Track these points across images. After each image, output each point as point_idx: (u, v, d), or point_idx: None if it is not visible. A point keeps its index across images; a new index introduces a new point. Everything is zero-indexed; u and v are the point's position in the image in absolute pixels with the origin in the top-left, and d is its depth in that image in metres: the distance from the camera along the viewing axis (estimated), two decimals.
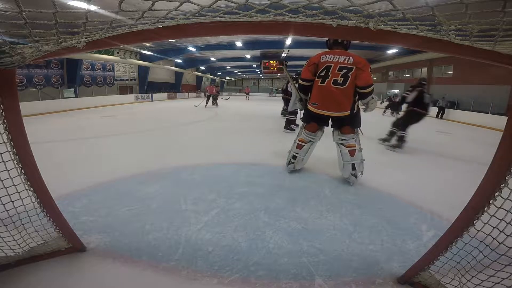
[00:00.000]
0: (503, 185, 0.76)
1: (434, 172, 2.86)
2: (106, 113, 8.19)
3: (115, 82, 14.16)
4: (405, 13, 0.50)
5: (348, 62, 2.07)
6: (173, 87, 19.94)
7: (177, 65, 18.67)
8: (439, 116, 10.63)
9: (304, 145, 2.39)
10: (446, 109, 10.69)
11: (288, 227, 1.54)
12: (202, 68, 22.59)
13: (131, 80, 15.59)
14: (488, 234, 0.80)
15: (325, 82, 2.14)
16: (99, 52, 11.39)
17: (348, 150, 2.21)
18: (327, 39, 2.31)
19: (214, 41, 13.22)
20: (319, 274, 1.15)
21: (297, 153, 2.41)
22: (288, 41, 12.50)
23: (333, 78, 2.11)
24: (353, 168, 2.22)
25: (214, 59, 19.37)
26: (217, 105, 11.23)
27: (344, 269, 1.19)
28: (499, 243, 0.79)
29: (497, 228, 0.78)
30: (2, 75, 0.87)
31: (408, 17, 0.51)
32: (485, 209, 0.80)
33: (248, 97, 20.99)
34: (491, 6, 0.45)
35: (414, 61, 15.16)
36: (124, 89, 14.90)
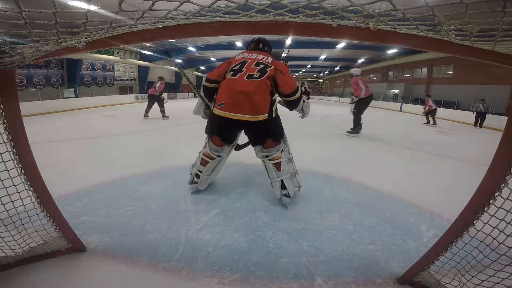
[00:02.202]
0: (503, 185, 0.76)
1: (434, 172, 2.86)
2: (106, 113, 8.20)
3: (115, 82, 14.16)
4: (405, 13, 0.50)
5: (267, 61, 1.72)
6: (174, 87, 19.96)
7: None
8: (478, 124, 8.05)
9: (209, 162, 1.85)
10: (487, 115, 7.93)
11: (288, 227, 1.54)
12: (202, 68, 22.60)
13: (131, 80, 15.60)
14: (488, 234, 0.80)
15: (237, 76, 1.66)
16: (99, 52, 11.40)
17: (273, 164, 1.74)
18: (249, 43, 2.01)
19: (214, 41, 13.23)
20: (319, 274, 1.15)
21: (201, 171, 1.88)
22: (288, 41, 12.51)
23: (248, 73, 1.65)
24: (283, 186, 1.75)
25: (214, 59, 19.38)
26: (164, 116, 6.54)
27: (344, 269, 1.19)
28: (499, 243, 0.79)
29: (497, 228, 0.78)
30: (2, 75, 0.87)
31: (408, 17, 0.51)
32: (485, 209, 0.80)
33: None
34: (491, 6, 0.45)
35: (414, 61, 15.18)
36: (124, 89, 14.91)
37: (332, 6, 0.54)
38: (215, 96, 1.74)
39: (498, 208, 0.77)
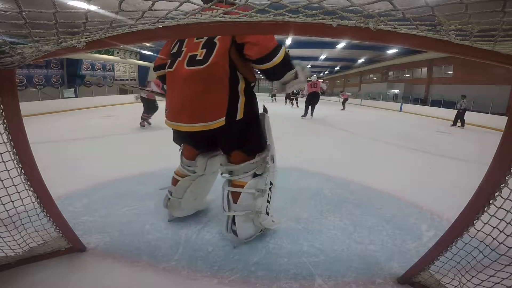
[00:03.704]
0: (503, 185, 0.76)
1: (434, 172, 2.86)
2: (106, 113, 8.19)
3: (114, 82, 14.15)
4: (405, 13, 0.50)
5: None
6: None
7: None
8: (457, 123, 7.71)
9: (179, 180, 1.40)
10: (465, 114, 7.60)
11: (288, 227, 1.54)
12: None
13: (131, 80, 15.59)
14: (488, 234, 0.80)
15: (174, 66, 1.15)
16: (99, 52, 11.40)
17: (231, 191, 1.24)
18: None
19: None
20: (319, 274, 1.15)
21: (171, 192, 1.44)
22: (288, 41, 12.50)
23: (188, 54, 1.12)
24: (233, 221, 1.26)
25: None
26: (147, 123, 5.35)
27: (344, 269, 1.19)
28: (499, 243, 0.79)
29: (497, 228, 0.78)
30: (2, 75, 0.87)
31: (408, 17, 0.51)
32: (485, 209, 0.80)
33: None
34: (491, 6, 0.45)
35: (414, 61, 15.18)
36: (124, 89, 14.90)
37: (332, 6, 0.54)
38: None
39: (498, 208, 0.77)
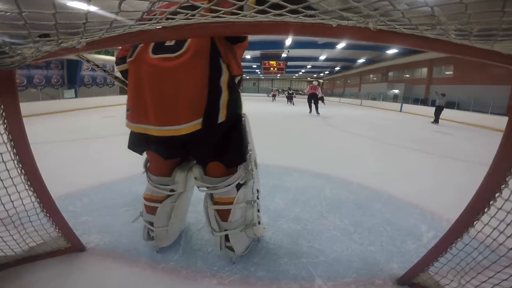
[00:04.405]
0: (503, 186, 0.76)
1: (434, 173, 2.85)
2: (107, 113, 8.20)
3: (116, 82, 14.15)
4: (405, 13, 0.50)
5: None
6: None
7: None
8: (435, 120, 8.25)
9: (158, 207, 1.13)
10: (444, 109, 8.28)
11: (287, 228, 1.54)
12: None
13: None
14: (488, 235, 0.79)
15: (134, 55, 0.93)
16: (99, 53, 11.40)
17: (217, 210, 1.09)
18: None
19: None
20: (318, 275, 1.15)
21: (150, 223, 1.17)
22: (288, 41, 12.51)
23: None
24: (226, 239, 1.13)
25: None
26: None
27: (343, 270, 1.19)
28: (499, 244, 0.79)
29: (497, 229, 0.78)
30: (2, 75, 0.87)
31: (408, 17, 0.51)
32: (485, 210, 0.80)
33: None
34: (491, 6, 0.45)
35: (414, 61, 15.17)
36: (125, 90, 14.86)
37: (332, 6, 0.54)
38: None
39: (498, 209, 0.77)
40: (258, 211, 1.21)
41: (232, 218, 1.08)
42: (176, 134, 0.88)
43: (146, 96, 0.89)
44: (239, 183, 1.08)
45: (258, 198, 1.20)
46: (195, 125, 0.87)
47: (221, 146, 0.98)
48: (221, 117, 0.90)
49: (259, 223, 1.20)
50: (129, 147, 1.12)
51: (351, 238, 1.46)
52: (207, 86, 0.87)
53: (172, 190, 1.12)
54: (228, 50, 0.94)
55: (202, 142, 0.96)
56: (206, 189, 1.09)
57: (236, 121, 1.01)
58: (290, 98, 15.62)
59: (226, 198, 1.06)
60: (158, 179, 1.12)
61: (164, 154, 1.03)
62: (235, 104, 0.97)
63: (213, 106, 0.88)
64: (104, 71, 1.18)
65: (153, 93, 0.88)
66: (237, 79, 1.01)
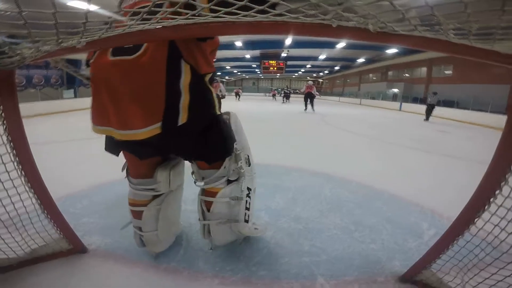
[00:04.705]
0: (503, 183, 0.76)
1: (434, 171, 2.86)
2: None
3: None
4: (405, 14, 0.50)
5: None
6: None
7: None
8: (427, 118, 8.67)
9: (143, 210, 1.10)
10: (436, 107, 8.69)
11: (288, 227, 1.54)
12: None
13: None
14: (490, 232, 0.80)
15: (95, 56, 0.92)
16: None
17: (205, 199, 1.12)
18: None
19: None
20: (320, 274, 1.15)
21: (139, 228, 1.13)
22: (288, 41, 12.52)
23: None
24: (208, 231, 1.17)
25: (214, 59, 19.34)
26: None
27: (345, 268, 1.19)
28: (501, 241, 0.79)
29: (498, 226, 0.79)
30: (1, 75, 0.87)
31: (408, 17, 0.51)
32: (486, 207, 0.80)
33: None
34: (490, 5, 0.45)
35: (414, 60, 15.20)
36: None
37: (332, 7, 0.54)
38: None
39: (498, 206, 0.78)
40: (247, 209, 1.19)
41: (214, 209, 1.11)
42: (136, 138, 0.86)
43: (104, 98, 0.88)
44: (229, 179, 1.11)
45: (249, 197, 1.19)
46: (153, 129, 0.85)
47: (197, 146, 0.98)
48: (181, 119, 0.86)
49: (246, 221, 1.18)
50: (105, 149, 1.09)
51: (352, 236, 1.46)
52: (165, 89, 0.85)
53: (155, 191, 1.09)
54: (195, 48, 0.92)
55: (170, 145, 0.96)
56: (203, 184, 1.13)
57: (209, 121, 0.98)
58: (287, 97, 17.59)
59: (212, 190, 1.10)
60: (138, 181, 1.10)
61: (140, 153, 1.00)
62: (201, 105, 0.94)
63: (172, 109, 0.86)
64: (75, 72, 1.05)
65: (110, 95, 0.87)
66: (207, 77, 0.98)
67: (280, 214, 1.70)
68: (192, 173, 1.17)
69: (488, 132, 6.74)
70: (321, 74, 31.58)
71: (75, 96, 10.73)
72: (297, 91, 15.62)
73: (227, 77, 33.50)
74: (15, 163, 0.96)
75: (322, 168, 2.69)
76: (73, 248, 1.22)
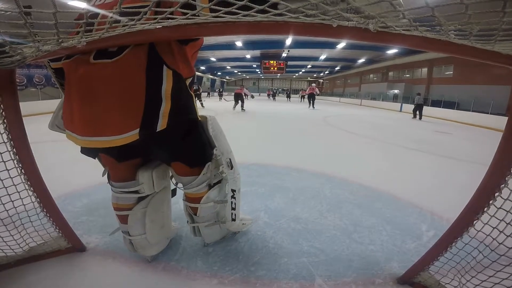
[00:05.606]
0: (503, 185, 0.76)
1: (434, 172, 2.86)
2: None
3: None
4: (405, 14, 0.50)
5: None
6: None
7: None
8: (417, 116, 9.53)
9: (127, 215, 1.07)
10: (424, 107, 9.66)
11: (288, 227, 1.54)
12: (202, 68, 22.60)
13: None
14: (488, 235, 0.80)
15: (73, 57, 0.83)
16: None
17: (190, 205, 1.16)
18: None
19: (214, 41, 13.22)
20: (319, 274, 1.15)
21: (127, 233, 1.10)
22: (288, 41, 12.51)
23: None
24: (198, 230, 1.23)
25: (214, 59, 19.37)
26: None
27: (344, 269, 1.19)
28: (499, 243, 0.79)
29: (497, 229, 0.78)
30: (2, 74, 0.87)
31: (408, 18, 0.51)
32: (485, 209, 0.80)
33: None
34: (491, 6, 0.45)
35: (414, 61, 15.18)
36: None
37: (332, 7, 0.54)
38: None
39: (498, 208, 0.77)
40: (234, 209, 1.22)
41: (201, 213, 1.16)
42: (105, 146, 0.82)
43: (73, 101, 0.82)
44: (210, 184, 1.13)
45: (234, 198, 1.21)
46: (130, 136, 0.81)
47: (176, 149, 0.98)
48: (161, 125, 0.84)
49: (233, 220, 1.24)
50: (81, 152, 1.01)
51: (351, 237, 1.46)
52: (145, 95, 0.81)
53: (139, 193, 1.06)
54: (176, 52, 0.89)
55: (150, 148, 0.94)
56: (183, 188, 1.13)
57: (188, 126, 0.96)
58: (274, 96, 21.79)
59: (195, 195, 1.12)
60: (120, 184, 1.06)
61: (117, 156, 0.95)
62: (182, 111, 0.91)
63: (150, 116, 0.82)
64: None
65: (83, 99, 0.81)
66: (188, 81, 0.96)
67: (280, 214, 1.70)
68: (171, 177, 1.18)
69: (488, 133, 6.73)
70: (321, 74, 31.55)
71: None
72: (301, 91, 19.67)
73: (227, 77, 33.51)
74: (15, 162, 0.97)
75: (322, 169, 2.69)
76: (71, 246, 1.22)
